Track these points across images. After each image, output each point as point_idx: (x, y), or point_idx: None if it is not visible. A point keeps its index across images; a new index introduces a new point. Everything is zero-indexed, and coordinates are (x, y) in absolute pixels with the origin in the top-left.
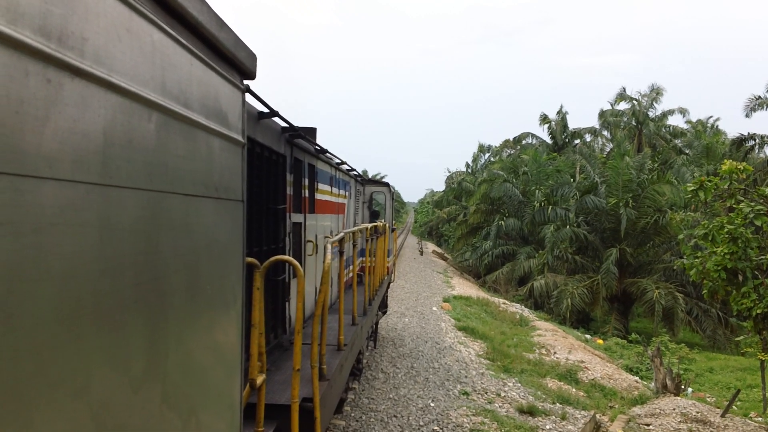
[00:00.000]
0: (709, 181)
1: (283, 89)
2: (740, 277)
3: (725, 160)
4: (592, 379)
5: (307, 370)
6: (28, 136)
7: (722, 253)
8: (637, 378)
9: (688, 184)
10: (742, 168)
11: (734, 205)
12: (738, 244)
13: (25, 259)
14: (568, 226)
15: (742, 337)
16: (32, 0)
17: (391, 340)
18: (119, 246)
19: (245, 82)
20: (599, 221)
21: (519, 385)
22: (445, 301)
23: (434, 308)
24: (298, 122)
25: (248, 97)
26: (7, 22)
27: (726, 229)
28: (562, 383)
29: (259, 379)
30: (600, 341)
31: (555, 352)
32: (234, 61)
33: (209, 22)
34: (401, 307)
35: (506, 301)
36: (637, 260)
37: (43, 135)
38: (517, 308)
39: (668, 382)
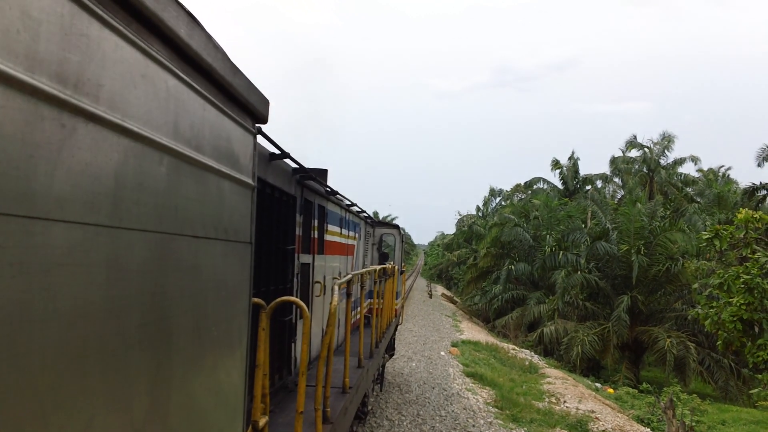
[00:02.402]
0: (725, 229)
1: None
2: (756, 329)
3: (741, 209)
4: (603, 431)
5: (311, 413)
6: (41, 179)
7: (738, 304)
8: (648, 429)
9: (704, 233)
10: (758, 217)
11: (749, 255)
12: (754, 295)
13: (32, 300)
14: (579, 272)
15: (756, 390)
16: (51, 47)
17: (397, 385)
18: (126, 287)
19: (257, 125)
20: (610, 268)
21: None
22: (453, 346)
23: (442, 353)
24: (308, 162)
25: (260, 139)
26: (24, 69)
27: (742, 279)
28: None
29: (262, 421)
30: (611, 390)
31: (565, 401)
32: (246, 106)
33: (223, 69)
34: (408, 350)
35: (515, 347)
36: (648, 308)
37: (55, 178)
38: (526, 354)
39: None
